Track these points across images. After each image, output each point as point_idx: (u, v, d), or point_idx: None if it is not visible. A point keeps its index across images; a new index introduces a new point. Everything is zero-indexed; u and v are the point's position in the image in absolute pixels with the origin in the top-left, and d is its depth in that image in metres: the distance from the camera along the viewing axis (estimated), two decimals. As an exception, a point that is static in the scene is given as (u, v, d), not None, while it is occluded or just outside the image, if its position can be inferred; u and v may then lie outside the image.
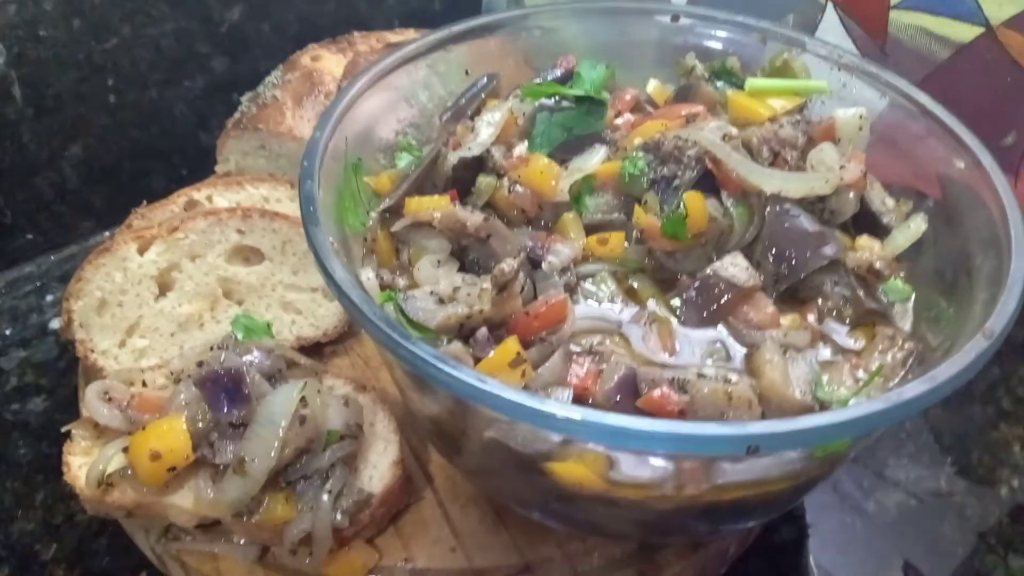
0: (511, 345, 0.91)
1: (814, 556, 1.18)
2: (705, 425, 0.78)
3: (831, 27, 1.73)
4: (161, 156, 1.66)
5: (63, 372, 1.35)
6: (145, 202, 1.33)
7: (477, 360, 0.91)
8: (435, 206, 1.03)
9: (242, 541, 1.02)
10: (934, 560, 1.18)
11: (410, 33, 1.66)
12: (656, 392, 0.90)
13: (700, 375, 0.92)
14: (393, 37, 1.61)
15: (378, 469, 1.04)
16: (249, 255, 1.24)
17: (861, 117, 1.16)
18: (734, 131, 1.12)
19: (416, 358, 0.79)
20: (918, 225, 1.10)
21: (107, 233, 1.61)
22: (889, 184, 1.16)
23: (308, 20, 1.77)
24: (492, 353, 0.91)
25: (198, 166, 1.58)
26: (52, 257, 1.59)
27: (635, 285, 1.06)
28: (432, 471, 1.13)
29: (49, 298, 1.51)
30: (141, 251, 1.19)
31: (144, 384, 1.07)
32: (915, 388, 0.80)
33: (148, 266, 1.18)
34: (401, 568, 1.03)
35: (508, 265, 0.95)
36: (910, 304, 1.07)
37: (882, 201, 1.14)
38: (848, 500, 1.22)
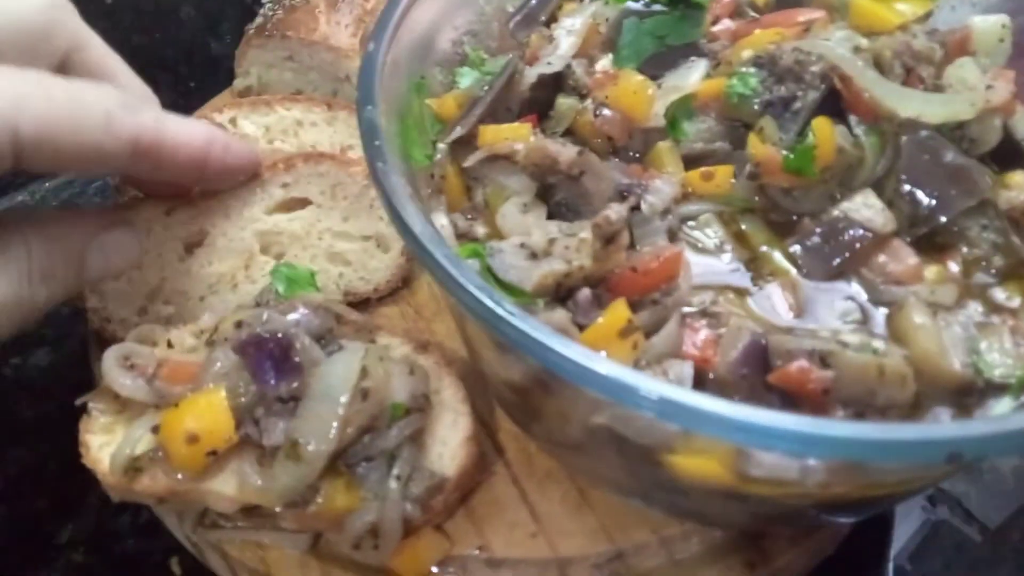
0: (620, 311, 0.76)
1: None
2: (893, 428, 0.63)
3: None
4: (166, 66, 1.47)
5: (69, 319, 1.18)
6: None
7: (580, 328, 0.76)
8: (516, 136, 0.86)
9: (293, 529, 0.88)
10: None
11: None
12: (793, 366, 0.75)
13: (841, 343, 0.78)
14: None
15: (448, 446, 0.89)
16: (292, 203, 1.06)
17: (1004, 27, 0.99)
18: (865, 42, 0.95)
19: (528, 339, 0.64)
20: (1075, 158, 0.94)
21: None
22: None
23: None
24: (598, 320, 0.75)
25: (208, 77, 1.41)
26: (47, 184, 1.40)
27: (745, 228, 0.91)
28: (502, 440, 0.98)
29: (47, 230, 1.33)
30: (168, 212, 1.01)
31: (170, 345, 0.92)
32: None
33: (176, 228, 1.01)
34: (476, 558, 0.90)
35: (615, 213, 0.79)
36: (1065, 252, 0.92)
37: (1028, 128, 0.97)
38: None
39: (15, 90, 0.74)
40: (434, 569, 0.89)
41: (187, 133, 0.89)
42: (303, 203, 1.05)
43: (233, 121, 1.12)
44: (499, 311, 0.65)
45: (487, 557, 0.90)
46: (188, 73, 1.49)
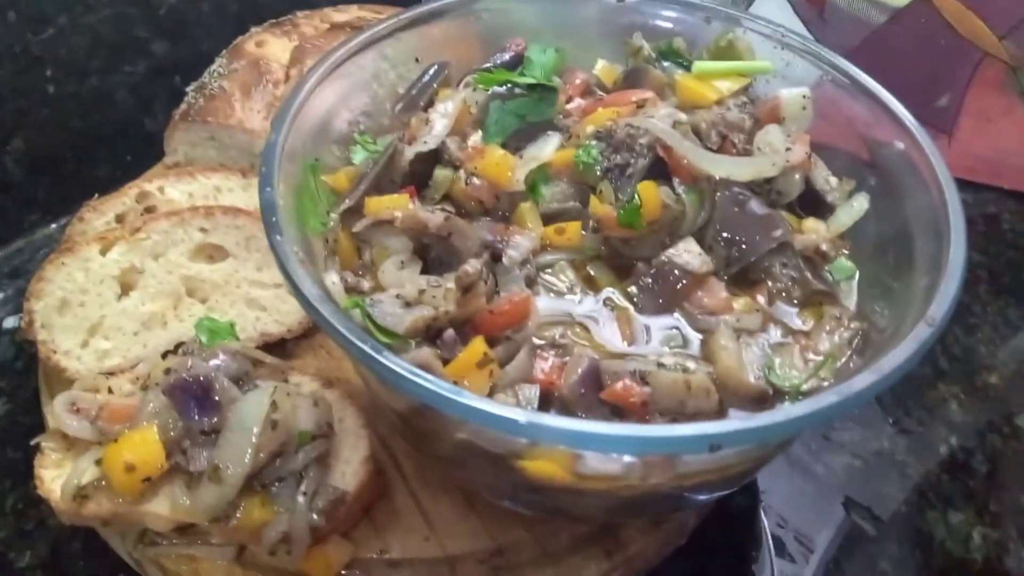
0: (477, 346, 0.93)
1: (767, 519, 1.24)
2: (667, 428, 0.82)
3: (772, -7, 1.76)
4: (105, 144, 1.62)
5: (22, 373, 1.34)
6: (96, 195, 1.32)
7: (445, 361, 0.93)
8: (395, 205, 1.04)
9: (219, 542, 1.04)
10: (879, 518, 1.25)
11: (353, 10, 1.63)
12: (619, 384, 0.93)
13: (660, 365, 0.96)
14: (337, 15, 1.59)
15: (350, 465, 1.06)
16: (213, 253, 1.25)
17: (804, 97, 1.19)
18: (683, 117, 1.14)
19: (389, 371, 0.81)
20: (860, 204, 1.14)
21: (54, 225, 1.58)
22: (832, 158, 1.20)
23: (248, -1, 1.74)
24: (460, 354, 0.93)
25: (144, 152, 1.56)
26: (-1, 253, 1.55)
27: (592, 272, 1.09)
28: (401, 460, 1.15)
29: (-1, 296, 1.49)
30: (104, 251, 1.19)
31: (110, 391, 1.08)
32: (864, 380, 0.84)
33: (110, 266, 1.19)
34: (377, 560, 1.06)
35: (472, 267, 0.97)
36: (855, 283, 1.12)
37: (826, 180, 1.18)
38: (798, 464, 1.28)
39: None
40: (342, 572, 1.06)
41: None
42: (223, 255, 1.24)
43: (161, 189, 1.30)
44: (375, 355, 0.82)
45: (387, 559, 1.06)
46: (125, 148, 1.64)
